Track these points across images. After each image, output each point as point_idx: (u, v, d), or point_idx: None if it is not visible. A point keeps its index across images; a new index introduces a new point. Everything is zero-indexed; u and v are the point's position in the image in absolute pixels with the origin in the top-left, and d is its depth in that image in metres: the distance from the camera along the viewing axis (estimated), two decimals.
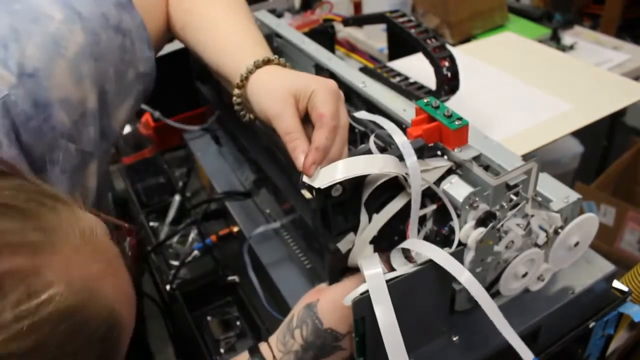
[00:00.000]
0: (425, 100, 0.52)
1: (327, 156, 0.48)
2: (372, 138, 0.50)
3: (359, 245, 0.50)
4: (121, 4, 0.55)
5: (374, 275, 0.45)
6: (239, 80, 0.54)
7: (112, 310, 0.34)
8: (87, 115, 0.52)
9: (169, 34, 0.66)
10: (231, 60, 0.57)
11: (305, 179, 0.47)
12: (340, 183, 0.46)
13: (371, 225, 0.50)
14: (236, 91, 0.55)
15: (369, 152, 0.49)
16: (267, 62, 0.54)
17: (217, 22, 0.61)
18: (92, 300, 0.32)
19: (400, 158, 0.47)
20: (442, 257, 0.45)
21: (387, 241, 0.51)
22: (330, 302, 0.51)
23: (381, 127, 0.65)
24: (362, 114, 0.58)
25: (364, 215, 0.50)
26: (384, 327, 0.44)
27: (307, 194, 0.50)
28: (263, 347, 0.52)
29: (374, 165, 0.46)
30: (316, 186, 0.45)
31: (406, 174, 0.47)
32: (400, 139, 0.48)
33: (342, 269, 0.54)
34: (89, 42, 0.51)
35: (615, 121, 1.56)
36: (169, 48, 0.91)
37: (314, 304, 0.51)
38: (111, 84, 0.55)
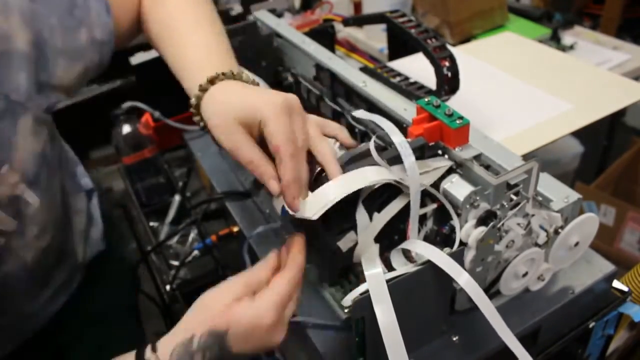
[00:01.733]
0: (426, 100, 0.52)
1: (301, 184, 0.47)
2: (372, 143, 0.49)
3: (363, 243, 0.50)
4: None
5: (374, 275, 0.45)
6: (193, 104, 0.54)
7: None
8: (14, 56, 0.49)
9: (139, 33, 0.65)
10: (188, 80, 0.57)
11: (295, 213, 0.46)
12: None
13: (373, 223, 0.50)
14: (193, 111, 0.55)
15: (368, 152, 0.49)
16: (211, 81, 0.53)
17: (182, 37, 0.61)
18: None
19: (399, 158, 0.47)
20: (442, 258, 0.45)
21: (387, 240, 0.51)
22: (243, 330, 0.44)
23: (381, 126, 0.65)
24: (361, 113, 0.58)
25: (361, 214, 0.49)
26: (384, 326, 0.44)
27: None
28: (148, 355, 0.44)
29: (365, 178, 0.46)
30: (310, 217, 0.44)
31: (400, 179, 0.47)
32: (398, 139, 0.48)
33: (342, 267, 0.54)
34: None
35: (615, 121, 1.56)
36: None
37: (222, 334, 0.43)
38: (53, 35, 0.52)
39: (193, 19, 0.62)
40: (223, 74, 0.53)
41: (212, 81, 0.53)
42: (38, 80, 0.51)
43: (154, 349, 0.44)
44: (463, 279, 0.45)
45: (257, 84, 0.56)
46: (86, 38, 0.56)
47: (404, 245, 0.49)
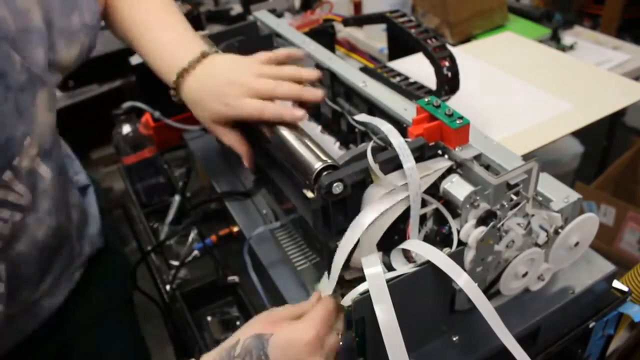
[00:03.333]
0: (426, 100, 0.52)
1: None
2: (369, 147, 0.49)
3: (365, 248, 0.50)
4: None
5: (374, 275, 0.45)
6: (172, 87, 0.64)
7: None
8: (34, 31, 0.52)
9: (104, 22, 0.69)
10: (164, 66, 0.65)
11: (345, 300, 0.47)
12: (341, 180, 0.46)
13: (376, 229, 0.50)
14: (173, 92, 0.65)
15: (365, 153, 0.49)
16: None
17: (149, 28, 0.67)
18: None
19: (398, 160, 0.47)
20: (441, 259, 0.45)
21: (387, 241, 0.51)
22: (284, 341, 0.46)
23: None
24: (362, 117, 0.58)
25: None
26: (384, 326, 0.44)
27: (309, 193, 0.50)
28: None
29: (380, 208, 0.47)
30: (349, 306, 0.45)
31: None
32: (397, 141, 0.48)
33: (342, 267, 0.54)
34: None
35: (615, 121, 1.56)
36: None
37: (266, 337, 0.46)
38: (57, 17, 0.56)
39: (164, 13, 0.69)
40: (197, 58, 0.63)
41: (180, 78, 0.63)
42: (48, 57, 0.54)
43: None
44: (462, 279, 0.45)
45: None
46: (79, 22, 0.59)
47: (404, 245, 0.49)
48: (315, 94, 0.60)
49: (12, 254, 0.56)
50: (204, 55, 0.63)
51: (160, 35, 0.66)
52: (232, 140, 0.63)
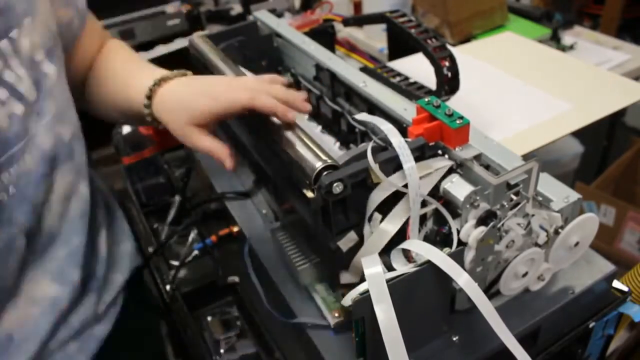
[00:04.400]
0: (426, 100, 0.52)
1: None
2: (369, 147, 0.49)
3: (368, 250, 0.50)
4: None
5: (374, 275, 0.45)
6: (144, 102, 0.60)
7: None
8: None
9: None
10: (132, 89, 0.62)
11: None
12: (341, 180, 0.47)
13: (381, 236, 0.50)
14: (146, 111, 0.61)
15: (365, 153, 0.49)
16: (159, 83, 0.59)
17: (115, 71, 0.66)
18: None
19: (398, 160, 0.47)
20: (441, 259, 0.45)
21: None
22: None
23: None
24: (362, 116, 0.58)
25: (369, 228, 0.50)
26: (384, 326, 0.44)
27: (309, 193, 0.50)
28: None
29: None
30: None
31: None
32: (397, 141, 0.48)
33: (342, 267, 0.54)
34: None
35: (615, 121, 1.57)
36: (169, 48, 0.92)
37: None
38: None
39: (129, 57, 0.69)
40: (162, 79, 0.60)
41: (159, 83, 0.59)
42: None
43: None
44: (463, 279, 0.45)
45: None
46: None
47: (404, 245, 0.49)
48: (305, 107, 0.57)
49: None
50: (181, 74, 0.61)
51: (132, 70, 0.66)
52: (210, 142, 0.57)
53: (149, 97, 0.59)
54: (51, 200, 0.55)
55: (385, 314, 0.44)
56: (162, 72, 0.61)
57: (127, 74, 0.65)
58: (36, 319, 0.55)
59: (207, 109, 0.55)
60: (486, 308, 0.46)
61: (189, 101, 0.56)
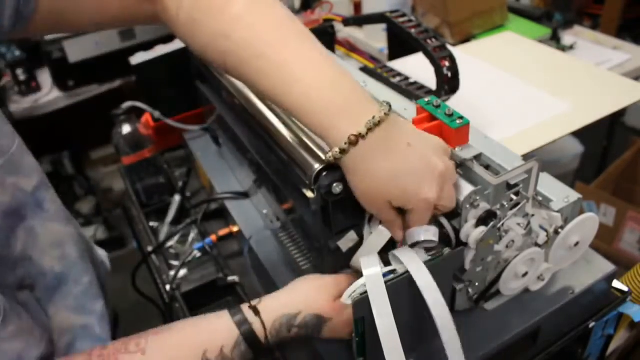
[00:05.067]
0: (426, 100, 0.52)
1: None
2: None
3: (367, 251, 0.50)
4: None
5: (372, 276, 0.45)
6: (334, 154, 0.44)
7: None
8: None
9: (154, 23, 0.52)
10: (317, 125, 0.45)
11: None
12: (341, 180, 0.46)
13: (380, 239, 0.50)
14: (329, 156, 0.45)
15: None
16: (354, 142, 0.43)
17: (285, 63, 0.45)
18: None
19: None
20: (419, 273, 0.45)
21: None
22: (341, 326, 0.51)
23: None
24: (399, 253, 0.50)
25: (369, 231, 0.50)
26: (381, 328, 0.44)
27: (309, 193, 0.50)
28: (256, 322, 0.48)
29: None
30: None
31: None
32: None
33: (342, 267, 0.54)
34: None
35: (615, 121, 1.56)
36: (168, 48, 0.91)
37: (326, 319, 0.50)
38: None
39: (286, 31, 0.47)
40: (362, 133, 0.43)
41: (355, 142, 0.43)
42: None
43: (256, 312, 0.49)
44: (432, 299, 0.45)
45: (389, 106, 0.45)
46: None
47: (395, 252, 0.49)
48: None
49: None
50: (383, 119, 0.44)
51: (311, 81, 0.45)
52: (393, 222, 0.48)
53: (342, 151, 0.44)
54: (39, 247, 0.53)
55: (382, 316, 0.44)
56: (353, 123, 0.43)
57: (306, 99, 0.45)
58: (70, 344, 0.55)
59: (389, 196, 0.45)
60: (449, 333, 0.45)
61: (380, 188, 0.45)
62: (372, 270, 0.46)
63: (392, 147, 0.44)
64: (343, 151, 0.44)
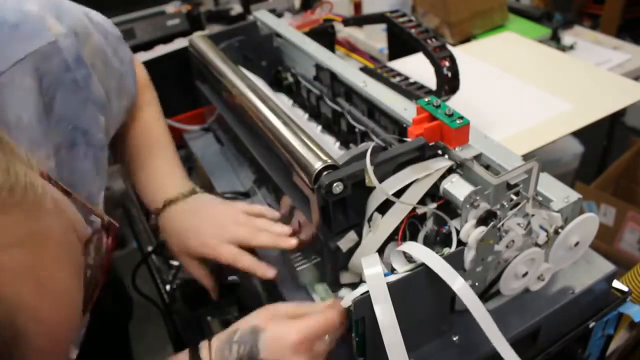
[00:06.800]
0: (426, 100, 0.52)
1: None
2: (369, 149, 0.49)
3: (367, 250, 0.50)
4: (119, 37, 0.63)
5: (374, 275, 0.45)
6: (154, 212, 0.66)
7: (12, 304, 0.29)
8: (105, 104, 0.55)
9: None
10: (152, 192, 0.68)
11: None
12: (341, 180, 0.47)
13: (379, 234, 0.50)
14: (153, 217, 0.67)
15: (365, 153, 0.49)
16: (169, 203, 0.65)
17: (148, 155, 0.70)
18: None
19: (397, 161, 0.47)
20: (437, 262, 0.45)
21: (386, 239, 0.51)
22: (273, 337, 0.48)
23: (381, 125, 0.65)
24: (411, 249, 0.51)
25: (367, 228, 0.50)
26: (384, 326, 0.44)
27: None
28: (204, 348, 0.49)
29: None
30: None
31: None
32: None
33: (342, 267, 0.54)
34: (101, 43, 0.56)
35: (615, 121, 1.56)
36: (168, 48, 0.92)
37: (260, 330, 0.48)
38: (113, 97, 0.58)
39: (156, 140, 0.72)
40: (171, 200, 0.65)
41: (166, 205, 0.65)
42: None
43: (209, 340, 0.51)
44: (457, 283, 0.45)
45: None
46: (125, 104, 0.65)
47: (402, 247, 0.49)
48: (290, 243, 0.60)
49: None
50: (193, 192, 0.66)
51: (156, 164, 0.70)
52: (200, 275, 0.66)
53: (157, 215, 0.67)
54: None
55: (385, 314, 0.44)
56: (174, 189, 0.67)
57: (147, 177, 0.70)
58: None
59: (196, 250, 0.63)
60: (480, 312, 0.45)
61: (184, 236, 0.63)
62: (373, 270, 0.46)
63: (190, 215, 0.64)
64: (165, 204, 0.65)
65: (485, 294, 0.53)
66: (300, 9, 1.54)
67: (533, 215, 0.50)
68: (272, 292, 0.66)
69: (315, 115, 0.79)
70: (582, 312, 0.58)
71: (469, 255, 0.48)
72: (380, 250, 0.52)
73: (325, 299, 0.59)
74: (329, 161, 0.50)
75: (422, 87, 0.84)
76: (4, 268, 0.28)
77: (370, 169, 0.47)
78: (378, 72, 0.91)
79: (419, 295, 0.48)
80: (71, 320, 0.35)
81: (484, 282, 0.53)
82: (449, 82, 0.77)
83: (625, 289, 0.59)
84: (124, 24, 1.27)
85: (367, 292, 0.44)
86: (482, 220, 0.48)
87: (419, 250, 0.47)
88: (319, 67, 0.76)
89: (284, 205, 0.65)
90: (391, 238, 0.52)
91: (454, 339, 0.53)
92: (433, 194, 0.51)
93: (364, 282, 0.47)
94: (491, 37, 1.18)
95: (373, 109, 0.66)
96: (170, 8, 1.34)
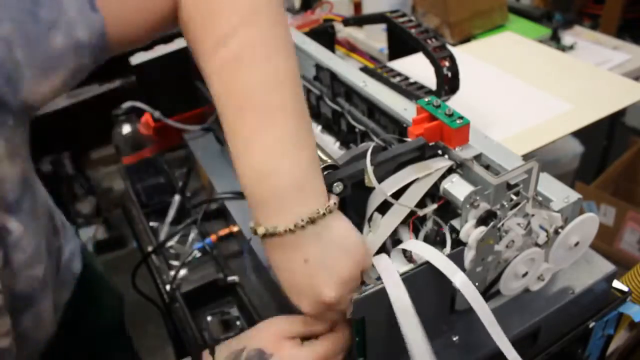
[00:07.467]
0: (426, 100, 0.52)
1: None
2: (369, 150, 0.49)
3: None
4: None
5: (386, 265, 0.46)
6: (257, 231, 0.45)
7: None
8: None
9: (172, 27, 0.50)
10: (253, 195, 0.45)
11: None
12: (341, 180, 0.47)
13: (377, 237, 0.50)
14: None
15: (365, 153, 0.49)
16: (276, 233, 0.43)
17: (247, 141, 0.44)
18: None
19: (397, 161, 0.47)
20: (439, 259, 0.45)
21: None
22: None
23: (381, 125, 0.65)
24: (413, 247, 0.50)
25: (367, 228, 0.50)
26: (399, 310, 0.44)
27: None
28: (204, 355, 0.49)
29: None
30: None
31: None
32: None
33: None
34: None
35: (615, 121, 1.56)
36: (168, 48, 0.91)
37: (267, 356, 0.47)
38: (21, 44, 0.41)
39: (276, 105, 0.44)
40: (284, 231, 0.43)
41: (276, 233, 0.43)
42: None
43: (212, 353, 0.49)
44: (459, 279, 0.45)
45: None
46: (62, 43, 0.43)
47: (403, 245, 0.49)
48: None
49: None
50: (320, 215, 0.43)
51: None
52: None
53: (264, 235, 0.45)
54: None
55: (399, 297, 0.44)
56: (304, 207, 0.43)
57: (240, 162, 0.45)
58: None
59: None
60: (482, 309, 0.46)
61: (292, 278, 0.46)
62: (384, 261, 0.46)
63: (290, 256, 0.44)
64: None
65: (485, 294, 0.53)
66: (300, 9, 1.54)
67: (533, 215, 0.50)
68: (272, 292, 0.66)
69: (315, 115, 0.79)
70: (582, 312, 0.58)
71: (469, 255, 0.48)
72: (380, 251, 0.52)
73: None
74: (329, 161, 0.50)
75: (422, 87, 0.84)
76: None
77: (370, 169, 0.47)
78: (378, 72, 0.91)
79: (419, 295, 0.48)
80: None
81: (484, 282, 0.53)
82: (449, 82, 0.77)
83: (625, 289, 0.59)
84: None
85: (367, 291, 0.44)
86: (482, 220, 0.48)
87: (419, 247, 0.47)
88: (319, 67, 0.76)
89: None
90: (391, 237, 0.52)
91: (454, 339, 0.53)
92: (433, 194, 0.51)
93: (364, 282, 0.47)
94: (491, 37, 1.18)
95: (373, 109, 0.66)
96: None
